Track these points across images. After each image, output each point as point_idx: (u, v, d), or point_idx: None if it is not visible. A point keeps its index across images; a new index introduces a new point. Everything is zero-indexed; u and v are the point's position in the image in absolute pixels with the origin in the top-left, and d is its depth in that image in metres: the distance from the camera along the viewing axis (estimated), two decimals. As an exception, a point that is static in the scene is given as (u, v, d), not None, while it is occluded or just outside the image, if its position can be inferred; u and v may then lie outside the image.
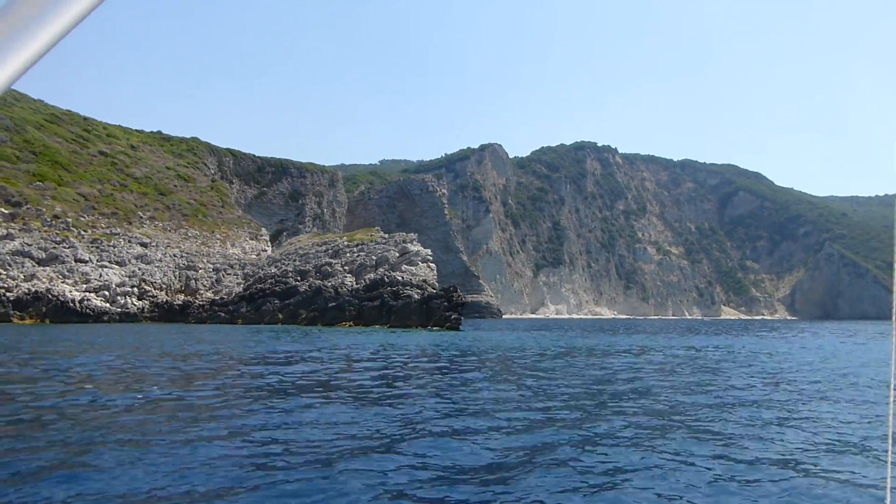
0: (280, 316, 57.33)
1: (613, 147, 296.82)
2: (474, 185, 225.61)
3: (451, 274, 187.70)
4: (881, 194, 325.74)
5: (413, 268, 60.34)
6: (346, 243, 73.35)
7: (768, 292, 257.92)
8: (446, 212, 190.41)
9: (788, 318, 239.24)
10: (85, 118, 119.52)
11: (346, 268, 65.34)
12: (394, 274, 56.68)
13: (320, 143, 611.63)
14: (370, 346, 32.26)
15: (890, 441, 2.59)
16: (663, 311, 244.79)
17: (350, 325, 51.57)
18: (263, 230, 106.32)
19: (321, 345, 32.51)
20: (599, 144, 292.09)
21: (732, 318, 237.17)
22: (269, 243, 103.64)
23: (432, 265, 61.78)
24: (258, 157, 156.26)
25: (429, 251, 63.94)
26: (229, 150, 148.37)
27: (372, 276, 58.58)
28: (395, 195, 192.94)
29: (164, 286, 72.56)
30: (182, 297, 73.57)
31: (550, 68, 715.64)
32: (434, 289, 52.07)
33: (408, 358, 25.52)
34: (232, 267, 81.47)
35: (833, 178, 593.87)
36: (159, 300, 69.78)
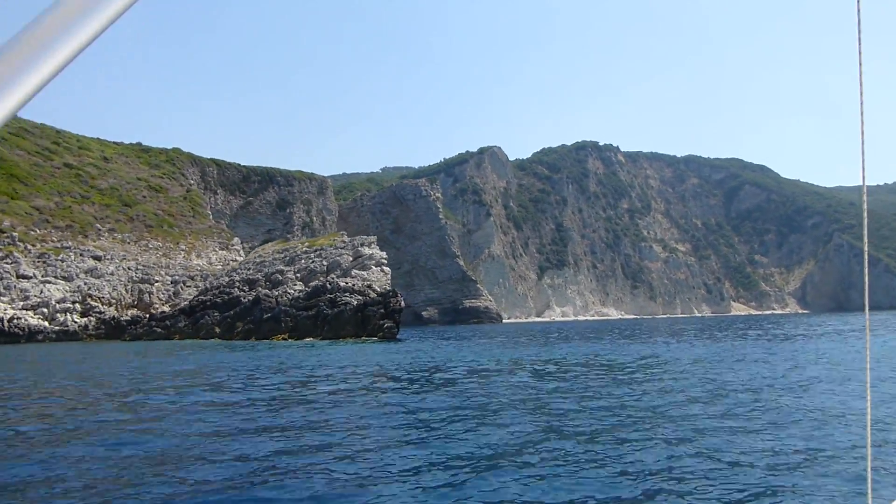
0: (217, 329, 53.20)
1: (615, 145, 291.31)
2: (474, 189, 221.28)
3: (449, 279, 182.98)
4: (890, 182, 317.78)
5: (365, 272, 56.06)
6: (304, 250, 69.28)
7: (778, 286, 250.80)
8: (441, 216, 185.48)
9: (800, 311, 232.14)
10: (58, 131, 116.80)
11: (299, 275, 61.22)
12: (337, 280, 52.37)
13: (319, 152, 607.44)
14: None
15: (868, 423, 2.86)
16: (671, 310, 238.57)
17: (284, 338, 47.31)
18: (236, 240, 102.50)
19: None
20: (601, 143, 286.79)
21: (742, 313, 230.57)
22: (242, 253, 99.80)
23: (386, 269, 57.44)
24: (243, 166, 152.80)
25: (384, 254, 59.63)
26: (213, 160, 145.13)
27: (316, 283, 54.36)
28: (389, 201, 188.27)
29: (114, 301, 68.80)
30: (134, 311, 69.78)
31: (549, 68, 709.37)
32: (377, 293, 47.69)
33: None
34: (192, 279, 77.60)
35: (840, 167, 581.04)
36: (107, 316, 65.93)
